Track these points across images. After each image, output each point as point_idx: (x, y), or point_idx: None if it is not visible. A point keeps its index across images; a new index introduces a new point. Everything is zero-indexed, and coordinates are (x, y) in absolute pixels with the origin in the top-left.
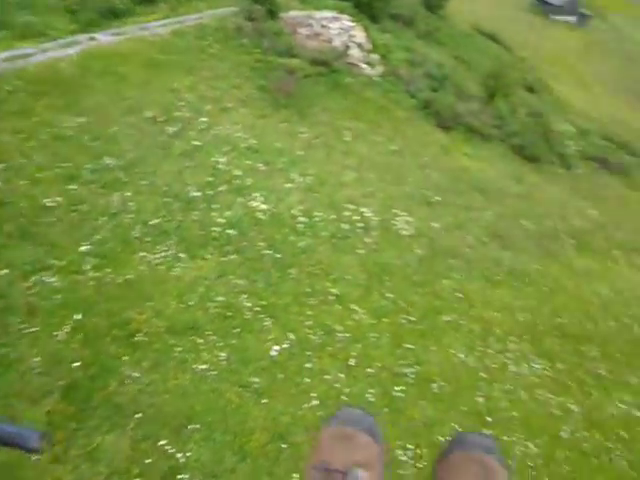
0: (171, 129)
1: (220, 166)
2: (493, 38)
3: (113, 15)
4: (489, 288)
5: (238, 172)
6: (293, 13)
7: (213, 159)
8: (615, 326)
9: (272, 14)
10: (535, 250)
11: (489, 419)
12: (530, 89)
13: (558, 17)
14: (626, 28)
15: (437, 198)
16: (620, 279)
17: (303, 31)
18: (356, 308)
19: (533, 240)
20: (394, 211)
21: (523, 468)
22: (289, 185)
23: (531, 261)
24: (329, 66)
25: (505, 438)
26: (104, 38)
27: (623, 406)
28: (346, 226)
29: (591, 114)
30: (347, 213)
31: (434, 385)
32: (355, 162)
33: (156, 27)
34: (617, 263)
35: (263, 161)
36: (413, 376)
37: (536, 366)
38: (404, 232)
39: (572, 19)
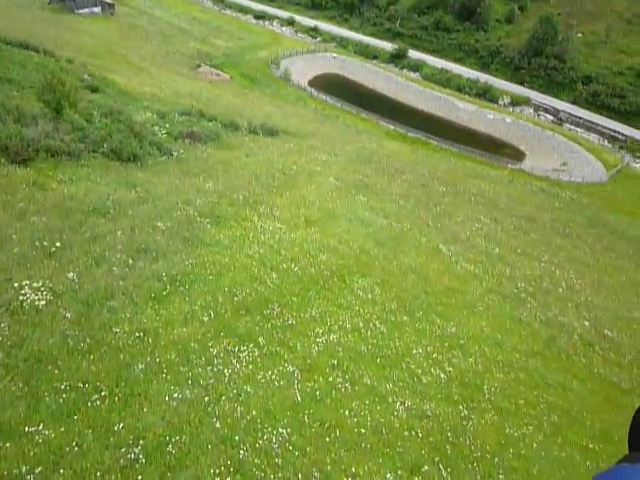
0: None
1: None
2: (27, 46)
3: None
4: (163, 308)
5: None
6: None
7: None
8: (277, 275)
9: None
10: (181, 245)
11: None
12: (93, 89)
13: (83, 10)
14: (153, 10)
15: (57, 244)
16: (262, 232)
17: None
18: None
19: (175, 237)
20: (17, 285)
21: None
22: None
23: (185, 258)
24: None
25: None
26: None
27: (321, 339)
28: None
29: (159, 95)
30: None
31: (169, 447)
32: None
33: None
34: (252, 221)
35: None
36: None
37: (243, 355)
38: (40, 303)
39: (97, 10)
